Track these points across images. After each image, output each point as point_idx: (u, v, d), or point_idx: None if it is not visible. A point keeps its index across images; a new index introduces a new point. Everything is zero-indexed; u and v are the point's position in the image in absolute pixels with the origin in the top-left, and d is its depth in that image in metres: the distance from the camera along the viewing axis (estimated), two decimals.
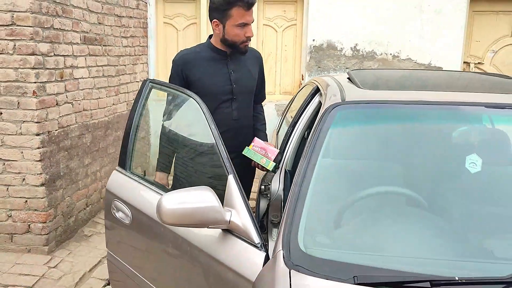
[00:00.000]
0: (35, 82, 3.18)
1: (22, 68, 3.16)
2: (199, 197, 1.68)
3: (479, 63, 5.44)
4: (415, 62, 5.28)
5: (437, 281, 1.34)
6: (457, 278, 1.34)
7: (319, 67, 5.34)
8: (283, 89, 5.51)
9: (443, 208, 1.78)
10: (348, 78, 2.42)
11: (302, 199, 1.66)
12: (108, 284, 3.13)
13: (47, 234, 3.38)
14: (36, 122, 3.22)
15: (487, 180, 1.87)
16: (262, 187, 2.45)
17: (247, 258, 1.67)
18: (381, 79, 2.45)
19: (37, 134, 3.24)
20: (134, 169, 2.61)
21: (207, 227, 1.74)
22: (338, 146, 1.95)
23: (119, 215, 2.35)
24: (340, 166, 1.92)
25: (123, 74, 4.58)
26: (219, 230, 1.78)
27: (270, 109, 5.34)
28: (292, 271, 1.43)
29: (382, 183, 1.85)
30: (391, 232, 1.63)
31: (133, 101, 4.90)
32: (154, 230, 2.15)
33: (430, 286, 1.33)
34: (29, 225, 3.37)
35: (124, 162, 2.52)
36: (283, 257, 1.48)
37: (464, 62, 5.44)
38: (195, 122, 2.22)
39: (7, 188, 3.31)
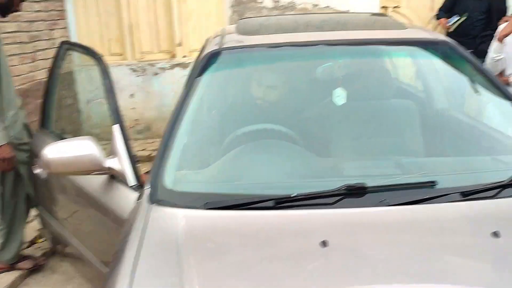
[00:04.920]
0: None
1: None
2: (79, 146, 1.80)
3: (396, 7, 5.63)
4: (334, 10, 5.39)
5: (278, 199, 1.50)
6: (294, 195, 1.51)
7: None
8: None
9: (308, 138, 1.96)
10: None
11: (171, 141, 1.79)
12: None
13: None
14: None
15: (350, 111, 2.05)
16: (192, 136, 2.60)
17: (124, 200, 1.82)
18: (263, 25, 2.56)
19: None
20: (54, 130, 2.79)
21: (91, 174, 1.87)
22: (211, 90, 2.08)
23: (38, 171, 2.48)
24: (211, 109, 2.06)
25: (38, 40, 4.50)
26: (106, 176, 1.92)
27: None
28: (153, 205, 1.57)
29: (251, 122, 2.00)
30: (250, 164, 1.79)
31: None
32: (59, 181, 2.32)
33: (274, 204, 1.50)
34: None
35: (44, 123, 2.77)
36: (149, 194, 1.62)
37: (382, 7, 5.61)
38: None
39: None
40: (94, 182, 2.01)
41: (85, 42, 5.35)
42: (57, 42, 4.90)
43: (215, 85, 2.09)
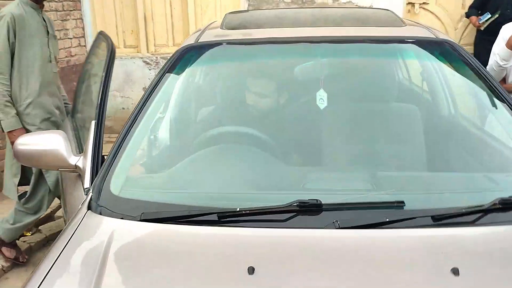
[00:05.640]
0: None
1: None
2: (47, 140, 1.71)
3: (424, 3, 5.29)
4: (356, 5, 5.13)
5: (221, 213, 1.34)
6: (238, 209, 1.34)
7: None
8: None
9: (278, 143, 1.77)
10: None
11: (126, 141, 1.65)
12: None
13: None
14: None
15: (328, 116, 1.85)
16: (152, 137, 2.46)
17: (78, 201, 1.71)
18: (249, 20, 2.38)
19: None
20: (74, 120, 2.79)
21: (57, 170, 1.79)
22: (179, 88, 1.93)
23: None
24: (177, 108, 1.91)
25: None
26: (76, 174, 1.82)
27: None
28: (88, 211, 1.44)
29: (218, 124, 1.83)
30: (205, 171, 1.63)
31: (65, 58, 4.83)
32: None
33: (217, 218, 1.33)
34: None
35: (72, 112, 2.78)
36: (90, 199, 1.49)
37: (409, 3, 5.29)
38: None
39: None
40: (66, 175, 1.95)
41: None
42: (70, 33, 4.89)
43: (184, 82, 1.94)
